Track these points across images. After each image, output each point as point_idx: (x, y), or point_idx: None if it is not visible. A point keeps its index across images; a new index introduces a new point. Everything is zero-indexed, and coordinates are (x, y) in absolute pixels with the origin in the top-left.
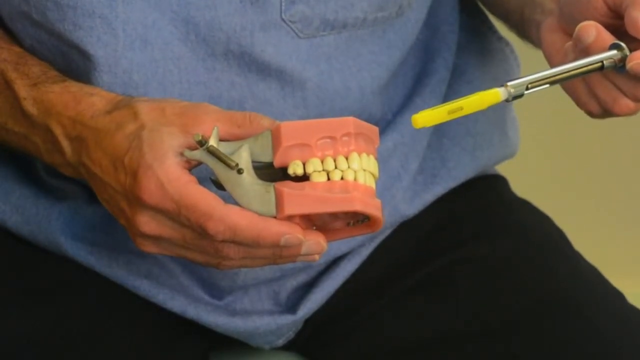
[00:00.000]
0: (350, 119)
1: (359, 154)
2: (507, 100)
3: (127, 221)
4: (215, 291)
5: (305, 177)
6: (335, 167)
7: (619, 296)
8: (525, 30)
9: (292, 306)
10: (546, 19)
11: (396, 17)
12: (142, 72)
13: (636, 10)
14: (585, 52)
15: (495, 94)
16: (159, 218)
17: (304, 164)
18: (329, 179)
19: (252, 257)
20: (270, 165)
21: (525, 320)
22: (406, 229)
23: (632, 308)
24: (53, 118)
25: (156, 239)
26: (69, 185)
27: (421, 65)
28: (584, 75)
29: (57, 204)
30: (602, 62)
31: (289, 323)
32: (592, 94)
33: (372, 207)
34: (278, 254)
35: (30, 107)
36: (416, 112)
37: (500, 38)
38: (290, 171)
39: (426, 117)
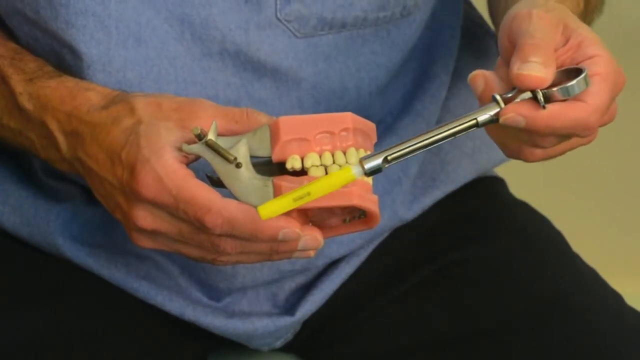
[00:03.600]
0: (349, 114)
1: (357, 150)
2: (366, 175)
3: (124, 215)
4: (214, 293)
5: (303, 172)
6: (333, 162)
7: (617, 297)
8: None
9: (290, 308)
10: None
11: (402, 18)
12: (136, 70)
13: (516, 55)
14: (479, 100)
15: (347, 174)
16: (156, 212)
17: (302, 159)
18: (327, 173)
19: (249, 251)
20: (268, 159)
21: (524, 321)
22: (404, 230)
23: (631, 309)
24: (49, 113)
25: (152, 233)
26: (67, 186)
27: (422, 69)
28: (460, 134)
29: (56, 206)
30: (476, 119)
31: (287, 325)
32: (501, 143)
33: (370, 202)
34: (275, 248)
35: (26, 103)
36: (416, 116)
37: None
38: (289, 166)
39: (271, 209)
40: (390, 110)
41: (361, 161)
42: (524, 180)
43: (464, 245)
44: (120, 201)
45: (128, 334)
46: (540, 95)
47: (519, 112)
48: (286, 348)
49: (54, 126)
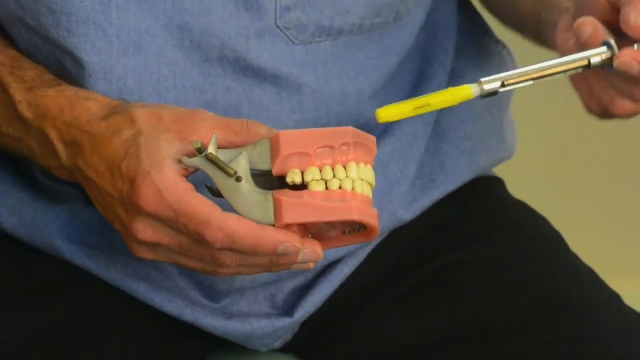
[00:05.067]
0: (349, 128)
1: (357, 164)
2: (481, 97)
3: (124, 227)
4: (213, 294)
5: (303, 186)
6: (334, 177)
7: (615, 297)
8: (542, 34)
9: (289, 309)
10: (562, 18)
11: (394, 23)
12: (136, 78)
13: (630, 6)
14: (583, 49)
15: (467, 91)
16: (157, 225)
17: (302, 173)
18: (327, 188)
19: (249, 264)
20: (268, 173)
21: (522, 321)
22: (403, 231)
23: (629, 309)
24: (48, 122)
25: (153, 245)
26: (66, 188)
27: (419, 70)
28: (570, 72)
29: (55, 207)
30: (588, 59)
31: (286, 326)
32: (591, 93)
33: (370, 216)
34: (275, 262)
35: (25, 111)
36: (414, 118)
37: (498, 41)
38: (289, 180)
39: (390, 112)
40: None
41: (480, 82)
42: (522, 181)
43: (463, 245)
44: (120, 213)
45: (127, 335)
46: None
47: (636, 57)
48: (285, 349)
49: (53, 135)
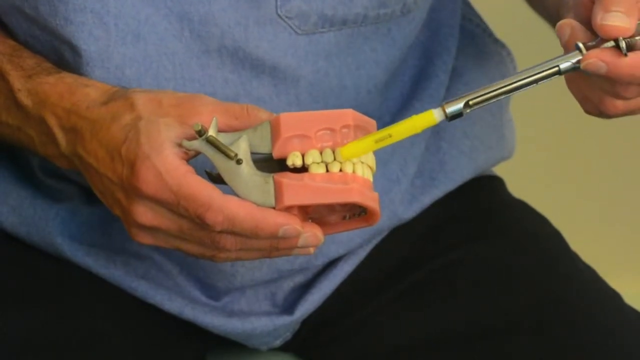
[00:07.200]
0: (349, 110)
1: None
2: (447, 120)
3: (123, 211)
4: (213, 292)
5: (304, 169)
6: (334, 159)
7: (615, 296)
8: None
9: (289, 307)
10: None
11: (402, 16)
12: (134, 67)
13: (599, 5)
14: (565, 48)
15: (429, 117)
16: (156, 208)
17: (303, 155)
18: (327, 170)
19: (249, 248)
20: (269, 156)
21: (521, 321)
22: (403, 230)
23: (629, 308)
24: (47, 109)
25: (152, 229)
26: (66, 186)
27: (420, 68)
28: (542, 81)
29: (55, 205)
30: (557, 66)
31: (286, 324)
32: (582, 94)
33: (370, 199)
34: (275, 245)
35: (24, 99)
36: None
37: (497, 41)
38: (289, 162)
39: (352, 150)
40: (388, 109)
41: (443, 105)
42: (521, 179)
43: (462, 244)
44: (119, 197)
45: (126, 334)
46: (622, 43)
47: (601, 57)
48: (285, 347)
49: (52, 122)
